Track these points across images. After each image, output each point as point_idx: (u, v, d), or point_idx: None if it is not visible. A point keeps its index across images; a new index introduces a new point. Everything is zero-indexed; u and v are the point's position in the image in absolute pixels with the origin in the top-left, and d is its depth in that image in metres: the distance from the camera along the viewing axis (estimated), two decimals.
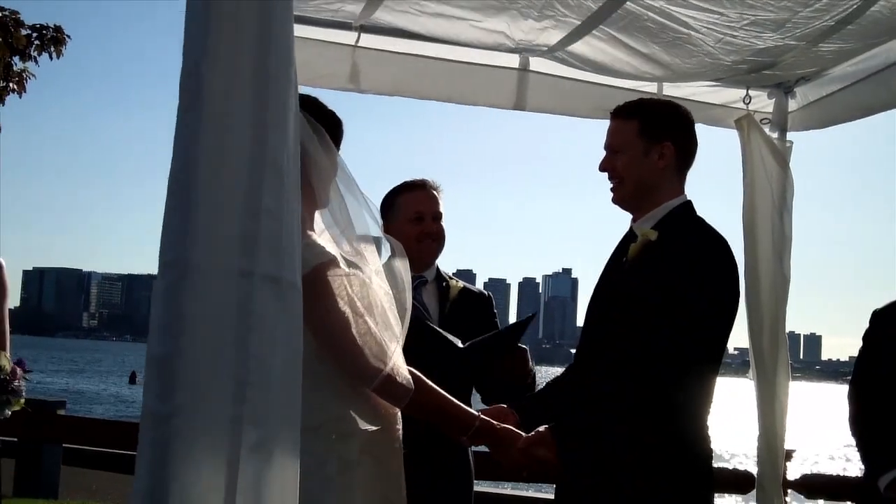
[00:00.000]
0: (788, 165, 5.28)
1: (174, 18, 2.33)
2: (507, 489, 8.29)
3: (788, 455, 5.50)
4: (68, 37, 13.48)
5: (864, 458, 4.35)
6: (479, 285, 4.67)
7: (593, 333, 3.65)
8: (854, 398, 4.45)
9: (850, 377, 4.54)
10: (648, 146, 3.57)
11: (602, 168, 3.65)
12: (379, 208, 4.36)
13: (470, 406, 3.42)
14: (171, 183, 2.24)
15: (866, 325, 4.49)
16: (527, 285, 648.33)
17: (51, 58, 13.38)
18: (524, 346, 4.18)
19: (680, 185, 3.64)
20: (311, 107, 3.11)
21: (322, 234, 3.10)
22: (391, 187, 4.45)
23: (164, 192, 2.25)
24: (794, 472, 6.12)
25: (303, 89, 2.76)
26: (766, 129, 5.36)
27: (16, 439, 8.24)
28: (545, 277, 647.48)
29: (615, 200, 3.67)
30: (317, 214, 3.13)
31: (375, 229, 3.21)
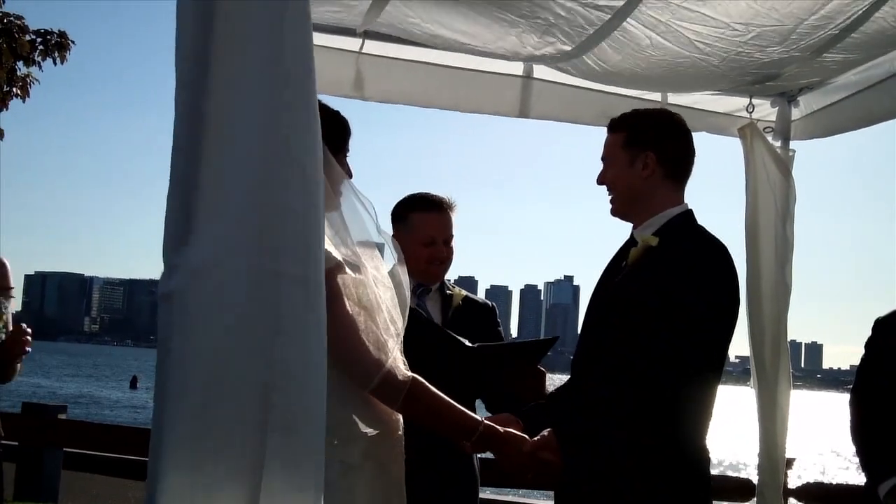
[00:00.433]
0: (791, 174, 5.29)
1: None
2: (512, 496, 8.26)
3: (789, 463, 5.51)
4: (72, 42, 13.48)
5: (865, 466, 4.36)
6: (480, 292, 4.72)
7: (591, 338, 3.66)
8: (855, 406, 4.45)
9: (851, 386, 4.54)
10: (633, 157, 3.62)
11: (598, 181, 3.73)
12: (390, 214, 4.38)
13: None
14: (177, 183, 2.20)
15: (868, 333, 4.49)
16: (528, 292, 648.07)
17: (55, 63, 13.38)
18: (543, 370, 4.14)
19: (677, 194, 3.65)
20: (324, 111, 3.12)
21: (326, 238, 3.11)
22: (398, 194, 4.46)
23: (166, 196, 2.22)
24: (794, 480, 6.12)
25: None
26: (769, 138, 5.37)
27: (17, 443, 8.23)
28: (547, 284, 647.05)
29: (612, 212, 3.73)
30: (328, 217, 3.13)
31: (377, 235, 3.21)
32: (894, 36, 4.29)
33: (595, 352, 3.58)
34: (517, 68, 5.25)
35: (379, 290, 3.14)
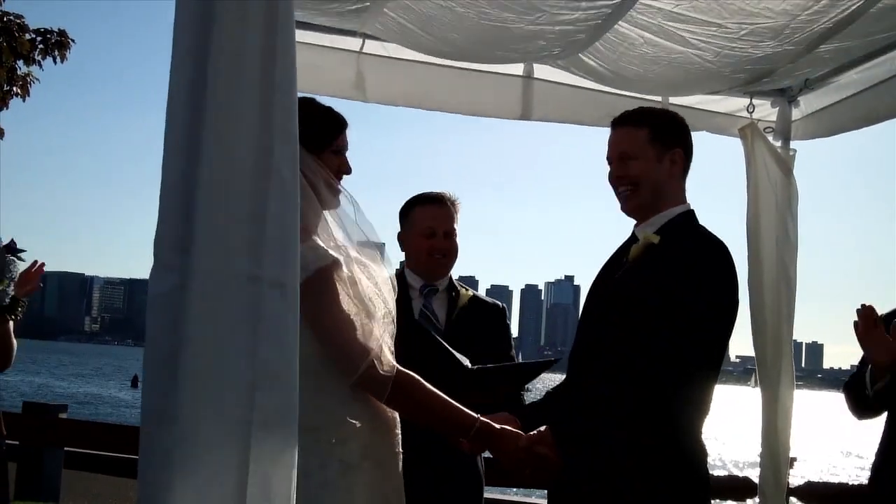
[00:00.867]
0: (792, 173, 5.29)
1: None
2: (515, 496, 8.25)
3: (791, 462, 5.50)
4: (72, 41, 13.47)
5: (857, 394, 4.36)
6: (480, 292, 4.68)
7: (590, 335, 3.66)
8: (848, 390, 4.49)
9: (844, 385, 4.57)
10: (661, 152, 3.61)
11: (616, 175, 3.65)
12: (398, 214, 4.43)
13: None
14: (168, 187, 2.25)
15: None
16: (529, 292, 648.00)
17: (55, 62, 13.37)
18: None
19: (683, 193, 3.67)
20: (310, 108, 3.14)
21: (323, 237, 3.11)
22: (397, 194, 4.50)
23: None
24: (796, 479, 6.12)
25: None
26: (770, 138, 5.37)
27: (17, 443, 8.24)
28: (547, 284, 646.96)
29: (629, 208, 3.67)
30: (325, 216, 3.15)
31: (374, 234, 3.25)
32: (889, 20, 4.26)
33: (594, 349, 3.58)
34: (518, 68, 5.25)
35: (379, 290, 3.15)
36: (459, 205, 4.48)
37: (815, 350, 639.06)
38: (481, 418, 3.30)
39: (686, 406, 3.41)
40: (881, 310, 4.57)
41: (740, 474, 7.20)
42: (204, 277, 2.22)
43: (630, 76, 4.79)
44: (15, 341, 4.80)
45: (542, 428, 3.42)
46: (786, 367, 5.21)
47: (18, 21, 13.03)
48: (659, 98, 5.28)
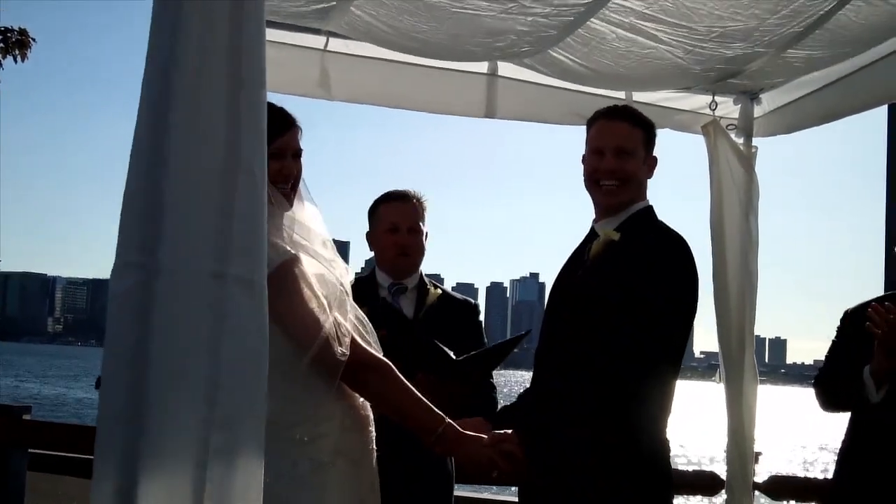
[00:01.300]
0: (754, 170, 5.33)
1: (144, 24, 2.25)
2: (487, 494, 8.25)
3: (755, 457, 5.54)
4: (33, 40, 13.36)
5: (843, 390, 4.38)
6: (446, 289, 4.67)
7: (553, 334, 3.67)
8: (817, 385, 4.52)
9: (813, 379, 4.61)
10: (647, 156, 3.69)
11: (609, 168, 3.63)
12: (367, 214, 4.48)
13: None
14: (132, 185, 2.25)
15: (831, 329, 4.56)
16: (494, 289, 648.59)
17: (15, 61, 13.26)
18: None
19: (646, 191, 3.73)
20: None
21: (281, 234, 3.10)
22: (358, 192, 4.56)
23: None
24: (761, 473, 6.16)
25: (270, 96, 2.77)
26: (732, 135, 5.40)
27: None
28: (512, 282, 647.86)
29: (611, 203, 3.66)
30: (278, 215, 3.14)
31: (325, 231, 3.27)
32: (858, 33, 4.34)
33: (558, 347, 3.60)
34: (482, 66, 5.25)
35: (339, 280, 3.17)
36: (426, 203, 4.50)
37: (779, 345, 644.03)
38: (449, 421, 3.30)
39: (648, 403, 3.43)
40: (843, 306, 4.63)
41: (707, 469, 7.23)
42: (168, 275, 2.21)
43: (601, 70, 4.80)
44: None
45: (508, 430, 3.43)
46: (748, 361, 5.25)
47: None
48: (623, 94, 5.30)
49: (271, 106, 3.24)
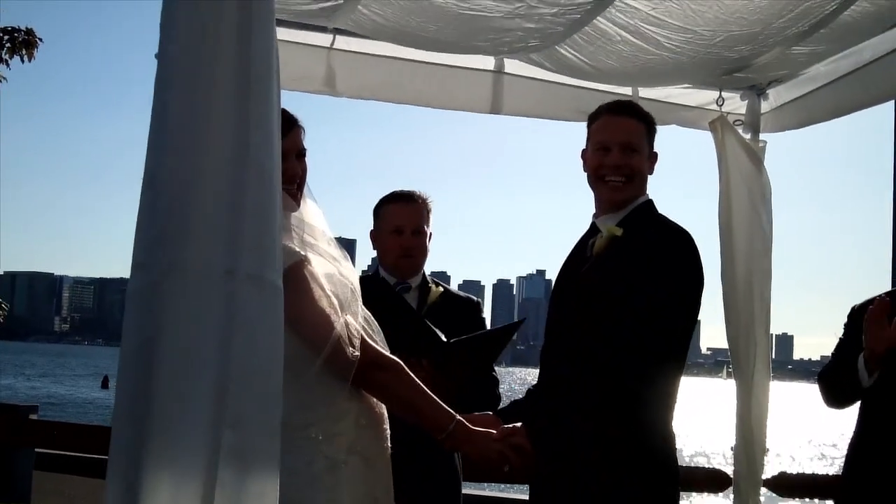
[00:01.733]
0: (763, 165, 5.31)
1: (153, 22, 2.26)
2: (494, 491, 8.26)
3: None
4: (40, 39, 13.36)
5: (842, 381, 4.38)
6: (453, 287, 4.67)
7: (558, 332, 3.67)
8: (822, 380, 4.52)
9: (818, 374, 4.61)
10: (650, 151, 3.70)
11: (617, 164, 3.61)
12: (372, 213, 4.48)
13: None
14: (147, 183, 2.24)
15: (837, 324, 4.56)
16: (501, 287, 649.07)
17: (22, 61, 13.26)
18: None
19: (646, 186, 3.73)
20: None
21: (290, 236, 3.11)
22: (366, 190, 4.54)
23: (136, 195, 2.24)
24: (767, 470, 6.14)
25: None
26: (740, 130, 5.39)
27: None
28: (519, 279, 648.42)
29: (617, 199, 3.64)
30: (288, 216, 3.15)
31: (328, 229, 3.28)
32: (859, 30, 4.34)
33: (563, 345, 3.60)
34: (488, 62, 5.25)
35: (347, 280, 3.17)
36: (431, 203, 4.49)
37: (786, 341, 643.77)
38: (459, 418, 3.30)
39: (652, 397, 3.42)
40: (850, 301, 4.62)
41: (712, 466, 7.22)
42: (179, 273, 2.21)
43: (606, 69, 4.80)
44: None
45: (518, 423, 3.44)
46: (761, 358, 5.22)
47: None
48: (629, 90, 5.29)
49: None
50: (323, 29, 4.80)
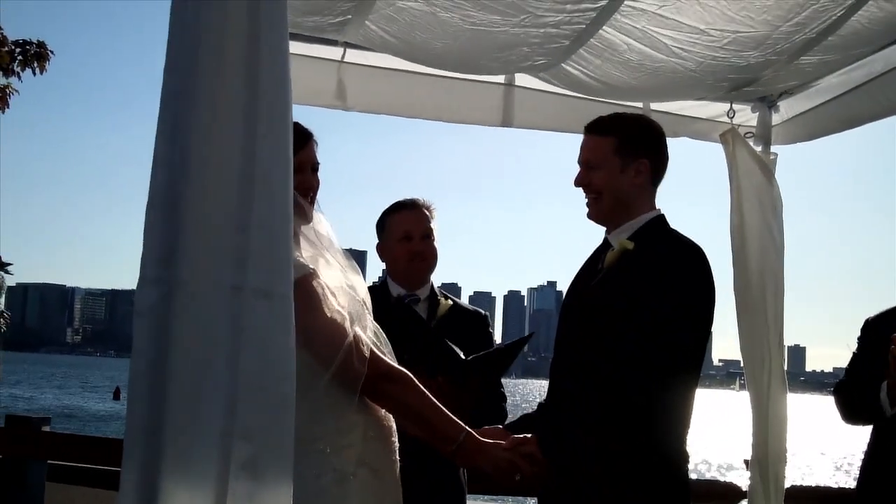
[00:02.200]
0: (774, 177, 5.29)
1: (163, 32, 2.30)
2: (499, 503, 8.25)
3: None
4: (52, 52, 13.43)
5: (860, 401, 4.38)
6: (464, 299, 4.69)
7: (568, 345, 3.67)
8: (838, 394, 4.51)
9: (833, 388, 4.59)
10: (625, 163, 3.62)
11: (578, 183, 3.68)
12: (375, 228, 4.48)
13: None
14: (153, 198, 2.24)
15: (850, 336, 4.55)
16: (512, 298, 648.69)
17: (34, 73, 13.33)
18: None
19: (653, 200, 3.69)
20: None
21: (299, 249, 3.12)
22: (375, 201, 4.52)
23: (145, 205, 2.25)
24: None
25: None
26: (751, 143, 5.38)
27: (0, 456, 8.19)
28: (530, 290, 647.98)
29: (591, 216, 3.69)
30: (303, 229, 3.16)
31: (337, 242, 3.28)
32: (868, 37, 4.33)
33: (572, 358, 3.60)
34: (499, 76, 5.25)
35: (356, 292, 3.18)
36: (435, 210, 4.49)
37: (798, 353, 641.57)
38: (469, 431, 3.28)
39: (659, 412, 3.39)
40: (864, 313, 4.60)
41: (724, 479, 7.19)
42: (187, 288, 2.21)
43: (614, 83, 4.79)
44: None
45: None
46: (777, 371, 5.15)
47: None
48: (640, 104, 5.29)
49: None
50: (333, 43, 4.81)
